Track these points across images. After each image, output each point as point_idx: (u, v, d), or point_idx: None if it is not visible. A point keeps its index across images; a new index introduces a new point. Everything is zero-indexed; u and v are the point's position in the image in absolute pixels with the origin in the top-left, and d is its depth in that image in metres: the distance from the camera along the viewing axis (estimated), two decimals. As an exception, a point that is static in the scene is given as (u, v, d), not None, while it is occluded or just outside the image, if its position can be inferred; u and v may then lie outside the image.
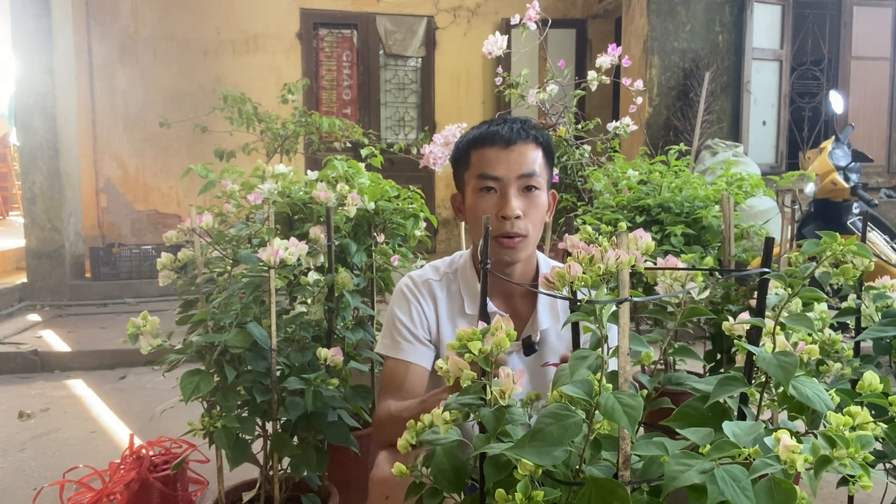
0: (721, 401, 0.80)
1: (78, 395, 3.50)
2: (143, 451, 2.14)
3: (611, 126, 3.23)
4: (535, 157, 1.37)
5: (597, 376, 0.73)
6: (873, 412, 0.80)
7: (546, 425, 0.71)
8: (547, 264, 1.50)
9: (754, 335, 0.82)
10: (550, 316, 1.45)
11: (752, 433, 0.69)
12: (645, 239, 0.84)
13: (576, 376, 0.71)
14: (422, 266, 2.17)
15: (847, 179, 3.95)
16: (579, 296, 0.80)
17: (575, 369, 0.71)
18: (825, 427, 0.70)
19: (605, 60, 3.00)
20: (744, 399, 0.83)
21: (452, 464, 0.80)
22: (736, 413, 0.82)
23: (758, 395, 0.83)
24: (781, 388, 0.80)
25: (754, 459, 0.66)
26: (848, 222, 4.02)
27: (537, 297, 1.46)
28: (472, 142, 1.39)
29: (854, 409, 0.71)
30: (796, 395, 0.75)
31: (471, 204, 1.38)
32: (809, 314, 1.47)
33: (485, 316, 0.86)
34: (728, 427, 0.69)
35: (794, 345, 0.86)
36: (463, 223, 2.74)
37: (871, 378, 0.88)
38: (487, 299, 1.44)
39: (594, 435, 0.74)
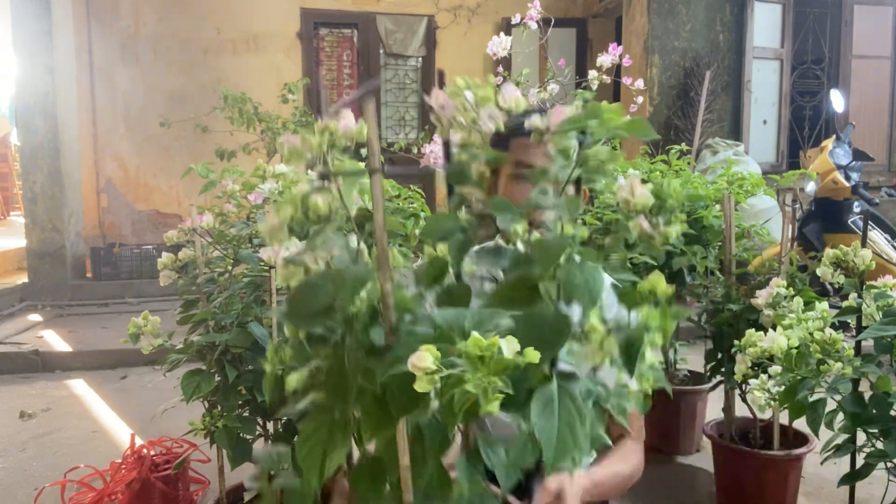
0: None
1: (79, 395, 3.50)
2: (145, 450, 2.14)
3: (611, 125, 3.23)
4: None
5: None
6: (872, 408, 0.79)
7: None
8: None
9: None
10: None
11: None
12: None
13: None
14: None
15: (848, 178, 3.95)
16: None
17: None
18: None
19: (605, 59, 2.99)
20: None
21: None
22: None
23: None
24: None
25: None
26: (849, 221, 4.02)
27: None
28: (515, 129, 1.43)
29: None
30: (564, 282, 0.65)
31: (503, 189, 1.44)
32: (810, 313, 1.47)
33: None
34: None
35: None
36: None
37: (657, 280, 0.69)
38: None
39: None
